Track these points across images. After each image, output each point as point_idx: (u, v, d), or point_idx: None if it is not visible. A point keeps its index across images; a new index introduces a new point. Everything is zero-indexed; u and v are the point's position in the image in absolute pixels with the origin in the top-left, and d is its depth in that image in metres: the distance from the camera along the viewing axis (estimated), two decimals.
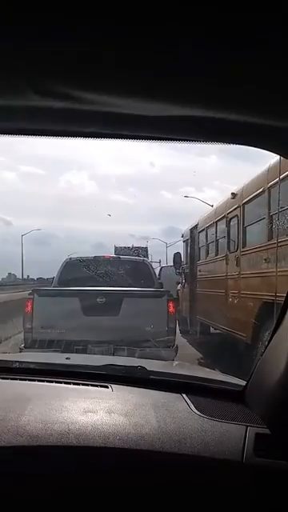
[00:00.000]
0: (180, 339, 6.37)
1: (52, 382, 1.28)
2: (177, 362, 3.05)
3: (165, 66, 0.44)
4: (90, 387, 1.26)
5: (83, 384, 1.27)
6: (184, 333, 7.88)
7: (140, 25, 0.39)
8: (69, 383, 1.28)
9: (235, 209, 5.82)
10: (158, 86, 0.48)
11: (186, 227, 9.33)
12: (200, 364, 5.40)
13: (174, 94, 0.49)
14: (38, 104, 0.49)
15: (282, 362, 0.93)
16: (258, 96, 0.50)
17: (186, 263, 8.83)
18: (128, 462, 0.95)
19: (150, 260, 10.08)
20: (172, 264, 9.41)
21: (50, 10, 0.37)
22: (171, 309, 4.93)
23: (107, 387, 1.25)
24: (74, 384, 1.27)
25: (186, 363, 2.90)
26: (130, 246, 11.55)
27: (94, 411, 1.07)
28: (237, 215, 5.75)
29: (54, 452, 0.95)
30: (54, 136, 0.62)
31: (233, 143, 0.71)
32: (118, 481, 0.92)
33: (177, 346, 4.87)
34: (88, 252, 6.48)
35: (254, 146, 0.70)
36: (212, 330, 7.19)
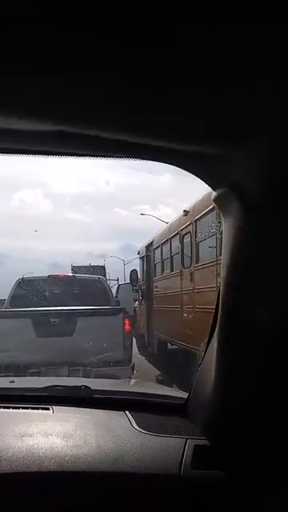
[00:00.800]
0: (137, 356, 6.35)
1: None
2: (125, 380, 3.03)
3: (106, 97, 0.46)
4: (29, 410, 1.22)
5: (23, 407, 1.23)
6: (141, 350, 7.86)
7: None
8: (8, 407, 1.23)
9: (188, 225, 5.97)
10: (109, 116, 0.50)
11: (142, 244, 9.42)
12: (158, 380, 5.39)
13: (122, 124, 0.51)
14: None
15: (214, 371, 0.95)
16: (181, 124, 0.52)
17: (143, 280, 8.88)
18: (63, 485, 0.92)
19: (107, 278, 10.04)
20: (129, 281, 9.43)
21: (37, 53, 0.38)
22: (127, 326, 4.91)
23: (48, 409, 1.22)
24: (14, 408, 1.23)
25: (137, 380, 2.89)
26: (88, 264, 11.48)
27: (30, 435, 1.04)
28: (189, 231, 5.89)
29: None
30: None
31: (163, 162, 0.73)
32: (54, 504, 0.89)
33: (133, 364, 4.84)
34: (44, 272, 6.34)
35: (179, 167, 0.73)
36: (169, 345, 7.23)
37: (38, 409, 1.22)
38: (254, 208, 0.63)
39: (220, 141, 0.54)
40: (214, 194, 0.71)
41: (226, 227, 0.72)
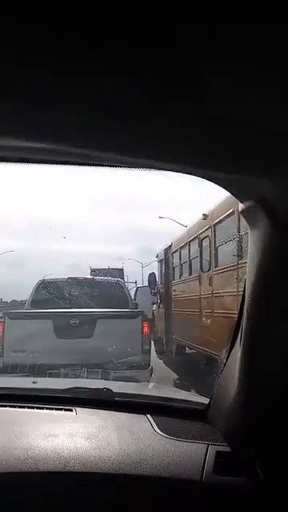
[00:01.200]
0: (155, 360, 6.34)
1: (15, 407, 1.26)
2: (146, 384, 3.04)
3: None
4: (54, 411, 1.25)
5: (47, 408, 1.26)
6: (160, 353, 7.85)
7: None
8: (32, 408, 1.26)
9: (207, 229, 5.95)
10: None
11: (160, 247, 9.43)
12: (176, 384, 5.37)
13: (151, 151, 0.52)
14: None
15: (238, 378, 0.96)
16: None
17: (161, 283, 8.87)
18: (87, 485, 0.94)
19: (126, 281, 10.07)
20: (147, 284, 9.44)
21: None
22: (146, 329, 4.92)
23: (71, 410, 1.24)
24: (38, 408, 1.26)
25: (157, 384, 2.89)
26: (106, 267, 11.56)
27: (55, 435, 1.06)
28: (208, 235, 5.87)
29: (12, 478, 0.93)
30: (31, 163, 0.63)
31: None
32: (77, 504, 0.91)
33: (152, 368, 4.84)
34: (63, 273, 6.42)
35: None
36: (188, 349, 7.20)
37: (61, 410, 1.25)
38: (282, 222, 0.64)
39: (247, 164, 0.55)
40: (242, 206, 0.71)
41: (253, 239, 0.73)
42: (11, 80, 0.41)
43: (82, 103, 0.45)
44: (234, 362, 1.03)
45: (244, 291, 0.82)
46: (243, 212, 0.71)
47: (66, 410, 1.25)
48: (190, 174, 0.59)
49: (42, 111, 0.44)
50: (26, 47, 0.38)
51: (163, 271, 8.84)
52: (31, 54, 0.39)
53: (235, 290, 4.67)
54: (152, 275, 9.11)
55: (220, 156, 0.52)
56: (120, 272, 11.26)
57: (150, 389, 1.89)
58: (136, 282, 14.78)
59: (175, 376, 6.19)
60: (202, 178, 0.61)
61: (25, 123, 0.46)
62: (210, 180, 0.62)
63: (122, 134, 0.48)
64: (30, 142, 0.49)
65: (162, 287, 8.80)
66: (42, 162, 0.62)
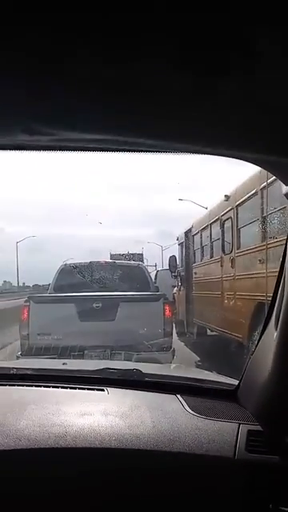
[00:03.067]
0: (177, 342, 6.39)
1: (49, 387, 1.31)
2: (172, 365, 3.08)
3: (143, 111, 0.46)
4: (86, 391, 1.29)
5: (80, 388, 1.30)
6: (181, 336, 7.90)
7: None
8: (65, 388, 1.30)
9: (229, 211, 5.87)
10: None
11: (180, 230, 9.38)
12: (197, 366, 5.42)
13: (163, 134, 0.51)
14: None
15: (270, 359, 0.96)
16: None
17: (182, 266, 8.86)
18: (124, 462, 0.97)
19: (145, 264, 10.10)
20: (168, 267, 9.44)
21: (40, 69, 0.40)
22: (167, 312, 4.95)
23: (103, 390, 1.27)
24: (71, 388, 1.30)
25: (181, 365, 2.92)
26: (126, 252, 11.62)
27: (90, 414, 1.10)
28: (230, 217, 5.80)
29: (52, 454, 0.97)
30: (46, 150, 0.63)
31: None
32: (115, 479, 0.95)
33: (174, 349, 4.88)
34: (83, 257, 6.47)
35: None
36: (209, 332, 7.22)
37: (93, 389, 1.29)
38: None
39: None
40: (286, 188, 0.70)
41: None
42: (62, 72, 0.41)
43: (121, 88, 0.44)
44: (267, 344, 1.03)
45: (280, 274, 0.81)
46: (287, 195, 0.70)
47: (97, 389, 1.28)
48: (238, 158, 0.58)
49: (94, 101, 0.44)
50: (73, 36, 0.38)
51: (184, 254, 8.82)
52: (80, 46, 0.39)
53: (258, 271, 4.63)
54: (172, 258, 9.10)
55: (271, 139, 0.51)
56: (140, 257, 11.32)
57: (176, 370, 1.92)
58: (156, 265, 14.81)
59: (196, 358, 6.24)
60: (249, 162, 0.60)
61: (83, 117, 0.46)
62: (256, 164, 0.61)
63: (172, 121, 0.48)
64: (86, 133, 0.49)
65: (182, 270, 8.80)
66: (76, 150, 0.63)
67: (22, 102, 0.44)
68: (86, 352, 4.44)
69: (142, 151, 0.62)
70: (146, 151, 0.62)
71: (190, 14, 0.37)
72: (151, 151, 0.60)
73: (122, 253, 10.71)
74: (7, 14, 0.36)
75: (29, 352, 4.57)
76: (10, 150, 0.60)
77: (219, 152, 0.57)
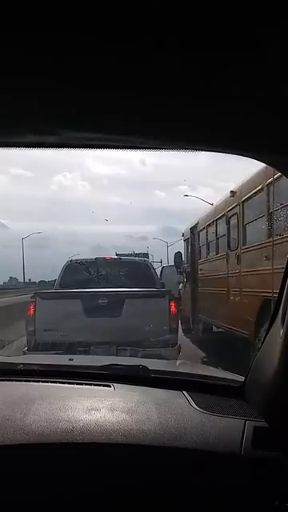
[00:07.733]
0: (182, 339, 6.40)
1: (56, 382, 1.32)
2: (178, 361, 3.08)
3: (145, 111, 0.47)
4: (92, 387, 1.29)
5: (86, 384, 1.31)
6: (186, 332, 7.91)
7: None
8: (72, 383, 1.31)
9: (235, 207, 5.85)
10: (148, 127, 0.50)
11: (184, 226, 9.37)
12: (203, 363, 5.43)
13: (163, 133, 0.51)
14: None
15: (277, 356, 0.96)
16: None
17: (187, 262, 8.85)
18: (130, 457, 0.98)
19: (151, 260, 10.12)
20: (173, 264, 9.44)
21: (42, 73, 0.40)
22: (173, 308, 4.96)
23: (110, 386, 1.28)
24: (78, 384, 1.30)
25: (187, 361, 2.93)
26: (131, 252, 11.66)
27: (97, 409, 1.10)
28: (236, 213, 5.78)
29: (59, 449, 0.98)
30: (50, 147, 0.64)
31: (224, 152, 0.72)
32: (121, 474, 0.96)
33: (179, 346, 4.89)
34: (88, 254, 6.52)
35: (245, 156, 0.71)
36: (214, 328, 7.22)
37: (99, 385, 1.29)
38: None
39: None
40: None
41: None
42: (68, 67, 0.41)
43: (124, 87, 0.44)
44: (273, 341, 1.03)
45: (286, 270, 0.81)
46: None
47: (104, 385, 1.29)
48: (253, 158, 0.58)
49: (104, 100, 0.45)
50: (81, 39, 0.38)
51: (189, 250, 8.81)
52: (94, 48, 0.39)
53: (264, 268, 4.62)
54: (178, 254, 9.09)
55: (275, 137, 0.51)
56: (145, 256, 11.37)
57: (182, 366, 1.92)
58: (161, 262, 14.83)
59: (202, 354, 6.25)
60: (263, 162, 0.60)
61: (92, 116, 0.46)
62: (262, 161, 0.61)
63: (175, 119, 0.48)
64: (88, 132, 0.50)
65: (188, 266, 8.79)
66: (80, 147, 0.63)
67: (27, 102, 0.45)
68: (91, 348, 4.45)
69: (146, 148, 0.63)
70: (150, 148, 0.62)
71: (191, 15, 0.37)
72: (155, 148, 0.60)
73: (127, 252, 10.75)
74: (7, 14, 0.36)
75: (35, 348, 4.60)
76: (15, 147, 0.61)
77: (223, 150, 0.57)
